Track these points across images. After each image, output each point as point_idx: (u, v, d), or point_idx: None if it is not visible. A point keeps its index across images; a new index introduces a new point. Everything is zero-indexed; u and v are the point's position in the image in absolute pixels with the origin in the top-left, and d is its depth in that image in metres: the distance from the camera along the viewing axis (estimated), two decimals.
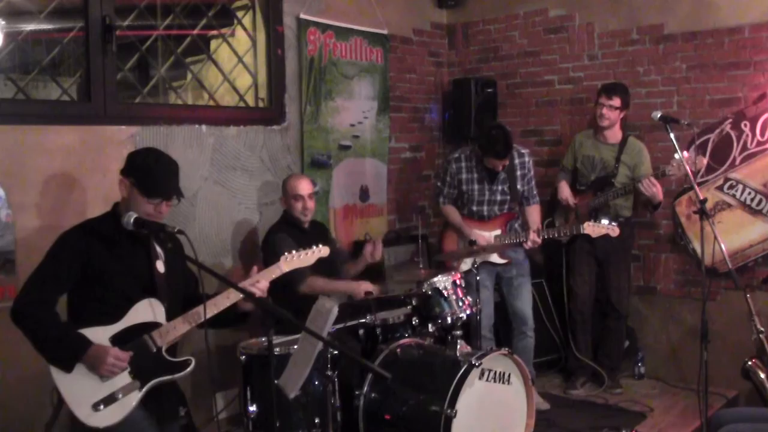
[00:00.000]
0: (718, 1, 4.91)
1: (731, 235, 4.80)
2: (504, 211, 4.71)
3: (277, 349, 3.22)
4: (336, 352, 3.09)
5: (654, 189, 4.56)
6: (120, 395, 2.71)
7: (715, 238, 3.81)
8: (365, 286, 4.10)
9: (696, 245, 5.01)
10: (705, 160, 4.78)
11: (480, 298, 4.59)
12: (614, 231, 4.41)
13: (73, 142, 3.84)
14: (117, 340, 2.75)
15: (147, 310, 2.83)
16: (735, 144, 4.87)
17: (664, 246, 5.22)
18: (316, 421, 3.37)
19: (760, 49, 4.77)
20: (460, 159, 4.72)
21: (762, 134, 4.78)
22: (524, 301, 4.74)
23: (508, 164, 4.62)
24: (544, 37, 5.73)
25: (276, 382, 2.88)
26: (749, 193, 4.84)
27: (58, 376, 2.69)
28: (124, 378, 2.73)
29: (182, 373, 2.86)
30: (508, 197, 4.69)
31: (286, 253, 3.19)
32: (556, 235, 4.60)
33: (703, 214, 3.70)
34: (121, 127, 4.08)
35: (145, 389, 2.77)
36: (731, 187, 4.90)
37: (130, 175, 2.86)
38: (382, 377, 2.77)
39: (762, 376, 3.95)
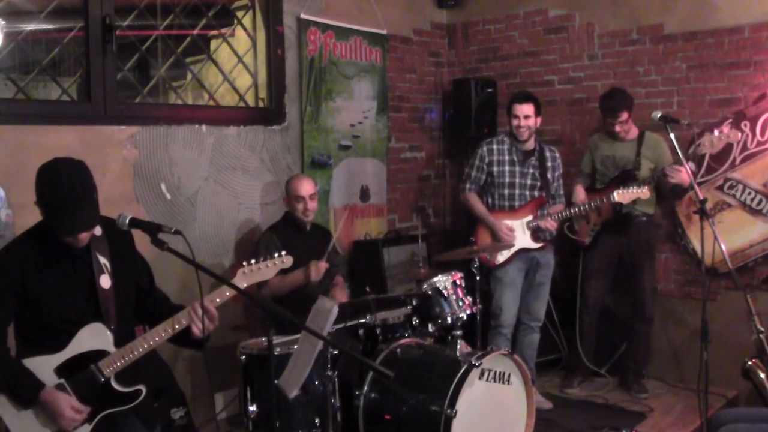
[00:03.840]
0: (718, 1, 4.91)
1: (731, 235, 4.80)
2: (535, 197, 4.67)
3: (277, 349, 3.22)
4: (336, 351, 3.09)
5: (680, 174, 4.50)
6: (70, 429, 2.62)
7: (715, 238, 3.80)
8: (322, 265, 4.04)
9: (696, 245, 5.01)
10: (740, 134, 4.64)
11: (507, 296, 4.62)
12: (645, 194, 4.43)
13: (73, 142, 3.84)
14: (62, 370, 2.61)
15: (92, 338, 2.66)
16: (735, 144, 4.86)
17: (664, 246, 5.21)
18: (316, 421, 3.37)
19: (760, 49, 4.77)
20: (492, 142, 4.75)
21: (762, 134, 4.78)
22: (541, 302, 4.75)
23: (539, 152, 4.68)
24: (544, 37, 5.73)
25: (276, 382, 2.88)
26: (749, 193, 4.84)
27: (5, 410, 2.58)
28: None
29: (133, 404, 2.72)
30: (539, 183, 4.68)
31: (244, 265, 2.85)
32: (587, 208, 4.61)
33: (703, 214, 3.70)
34: (121, 127, 4.08)
35: (94, 422, 2.65)
36: (731, 187, 4.90)
37: (39, 205, 2.61)
38: (385, 376, 2.76)
39: (762, 376, 3.95)
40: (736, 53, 4.86)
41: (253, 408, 3.35)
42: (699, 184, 4.78)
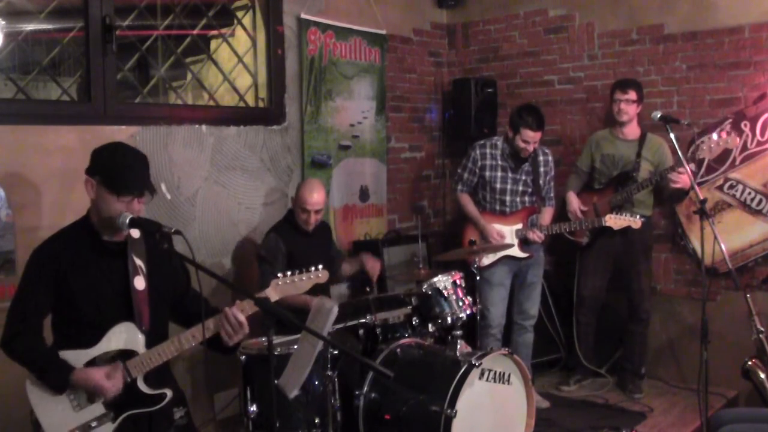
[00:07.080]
0: (718, 1, 4.91)
1: (731, 235, 4.80)
2: (526, 205, 4.68)
3: (277, 349, 3.22)
4: (336, 351, 3.09)
5: (683, 178, 4.49)
6: (94, 424, 2.65)
7: (715, 238, 3.80)
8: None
9: (696, 245, 5.01)
10: (738, 139, 4.66)
11: (495, 296, 4.61)
12: (636, 223, 4.47)
13: (73, 142, 3.84)
14: (92, 366, 2.66)
15: (122, 337, 2.69)
16: (735, 147, 4.86)
17: (664, 246, 5.21)
18: (316, 421, 3.37)
19: (760, 49, 4.77)
20: (485, 146, 4.72)
21: (762, 134, 4.78)
22: (533, 301, 4.76)
23: (532, 157, 4.63)
24: (544, 37, 5.73)
25: (276, 382, 2.88)
26: (749, 193, 4.84)
27: (36, 401, 2.64)
28: (99, 408, 2.66)
29: (157, 407, 2.73)
30: (530, 189, 4.67)
31: (279, 276, 2.78)
32: (577, 228, 4.61)
33: (703, 214, 3.70)
34: (121, 127, 4.08)
35: (118, 421, 2.68)
36: (731, 187, 4.90)
37: (96, 173, 2.67)
38: (385, 376, 2.77)
39: (762, 376, 3.95)
40: (736, 53, 4.86)
41: (253, 408, 3.35)
42: (699, 184, 4.78)
